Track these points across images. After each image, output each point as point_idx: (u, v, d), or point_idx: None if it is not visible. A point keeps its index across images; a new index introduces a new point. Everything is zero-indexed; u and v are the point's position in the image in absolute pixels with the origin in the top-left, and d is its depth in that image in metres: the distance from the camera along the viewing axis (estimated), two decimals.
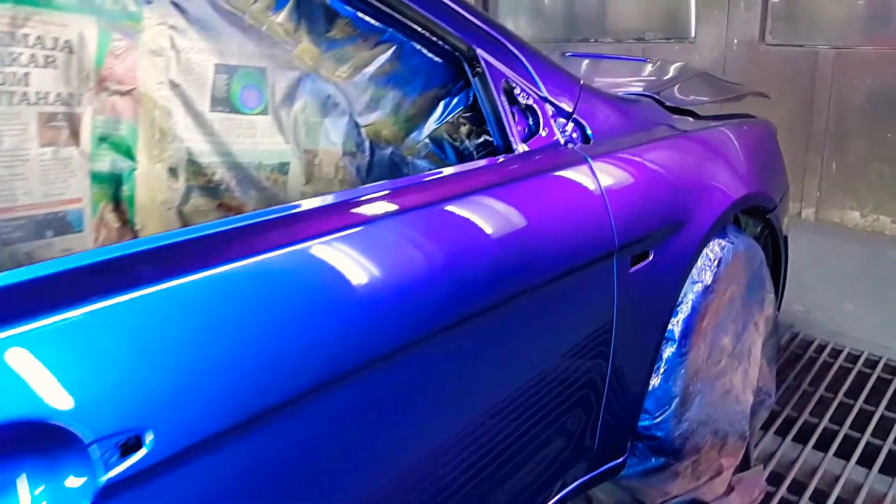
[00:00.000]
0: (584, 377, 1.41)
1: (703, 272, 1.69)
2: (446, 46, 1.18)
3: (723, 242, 1.76)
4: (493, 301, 1.11)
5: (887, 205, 3.59)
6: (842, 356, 2.57)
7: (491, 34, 1.22)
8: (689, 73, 2.26)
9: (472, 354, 1.10)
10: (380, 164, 1.25)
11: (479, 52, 1.20)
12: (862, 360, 2.54)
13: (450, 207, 1.09)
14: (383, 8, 1.07)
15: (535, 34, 4.88)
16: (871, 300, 2.96)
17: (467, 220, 1.11)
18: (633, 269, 1.42)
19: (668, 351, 1.64)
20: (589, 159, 1.32)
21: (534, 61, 1.30)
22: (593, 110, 1.39)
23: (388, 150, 1.25)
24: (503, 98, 1.24)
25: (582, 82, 1.41)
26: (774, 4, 3.73)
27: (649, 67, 2.31)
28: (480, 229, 1.11)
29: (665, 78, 2.06)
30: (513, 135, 1.24)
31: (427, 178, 1.11)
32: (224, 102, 1.07)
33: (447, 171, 1.15)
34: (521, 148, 1.24)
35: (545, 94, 1.30)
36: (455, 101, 1.26)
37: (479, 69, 1.21)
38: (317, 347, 0.80)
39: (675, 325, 1.63)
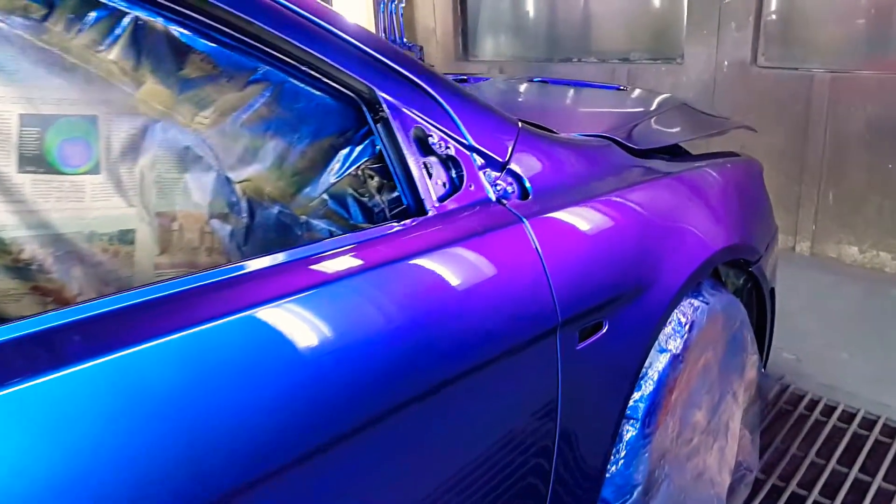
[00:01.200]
0: (524, 469, 1.18)
1: (671, 339, 1.46)
2: (338, 87, 0.96)
3: (696, 303, 1.53)
4: (402, 398, 0.89)
5: (887, 241, 3.36)
6: (835, 414, 2.33)
7: (397, 71, 1.00)
8: (666, 104, 2.04)
9: (379, 462, 0.88)
10: (264, 226, 1.02)
11: (382, 94, 0.97)
12: (858, 419, 2.30)
13: (343, 286, 0.86)
14: (247, 41, 0.85)
15: (516, 53, 4.68)
16: (869, 348, 2.72)
17: (365, 301, 0.88)
18: (583, 344, 1.19)
19: (629, 432, 1.41)
20: (525, 219, 1.09)
21: (456, 103, 1.07)
22: (535, 158, 1.16)
23: (275, 210, 1.02)
24: (414, 148, 1.01)
25: (521, 125, 1.18)
26: (767, 24, 3.52)
27: (621, 97, 2.08)
28: (384, 312, 0.89)
29: (637, 111, 1.84)
30: (427, 192, 1.02)
31: (316, 252, 0.89)
32: (36, 161, 0.84)
33: (340, 239, 0.92)
34: (443, 207, 1.02)
35: (471, 141, 1.07)
36: (357, 150, 1.04)
37: (382, 114, 0.98)
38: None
39: (638, 403, 1.40)
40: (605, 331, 1.24)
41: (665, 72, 3.93)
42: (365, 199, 1.08)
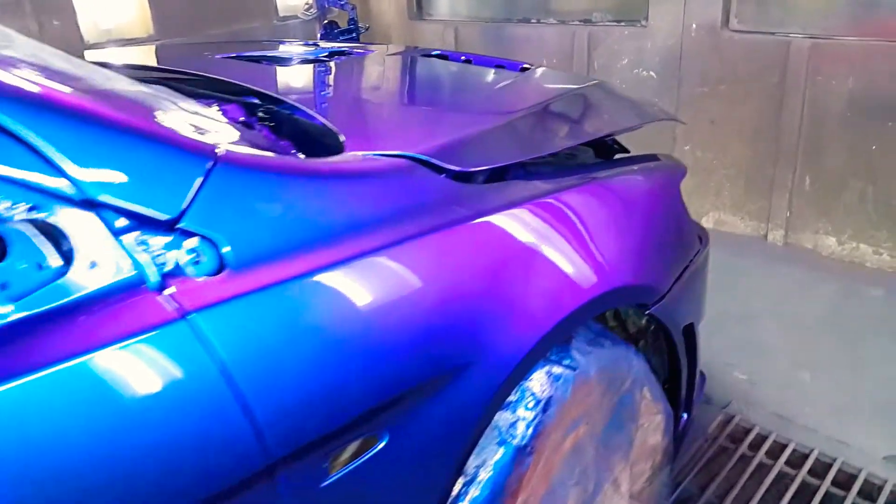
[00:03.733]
0: None
1: (514, 426, 1.09)
2: None
3: (557, 370, 1.15)
4: None
5: (869, 232, 2.95)
6: (784, 455, 1.97)
7: None
8: (570, 90, 1.62)
9: None
10: None
11: None
12: (810, 462, 1.94)
13: None
14: None
15: (471, 13, 4.21)
16: (836, 366, 2.34)
17: None
18: (335, 476, 0.82)
19: None
20: (194, 317, 0.70)
21: (64, 126, 0.68)
22: (247, 206, 0.77)
23: None
24: None
25: (224, 150, 0.78)
26: None
27: (511, 83, 1.66)
28: None
29: (525, 104, 1.42)
30: None
31: None
32: None
33: None
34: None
35: (87, 192, 0.68)
36: None
37: None
38: None
39: None
40: (382, 446, 0.87)
41: (628, 35, 3.47)
42: None
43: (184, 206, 0.72)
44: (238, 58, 1.81)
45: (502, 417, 1.09)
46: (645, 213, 1.36)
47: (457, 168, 1.05)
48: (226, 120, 1.24)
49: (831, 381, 2.27)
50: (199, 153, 0.75)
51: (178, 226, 0.72)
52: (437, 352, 0.92)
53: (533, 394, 1.12)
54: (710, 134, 3.33)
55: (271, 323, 0.74)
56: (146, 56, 2.10)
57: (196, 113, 1.01)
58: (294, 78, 1.59)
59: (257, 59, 1.86)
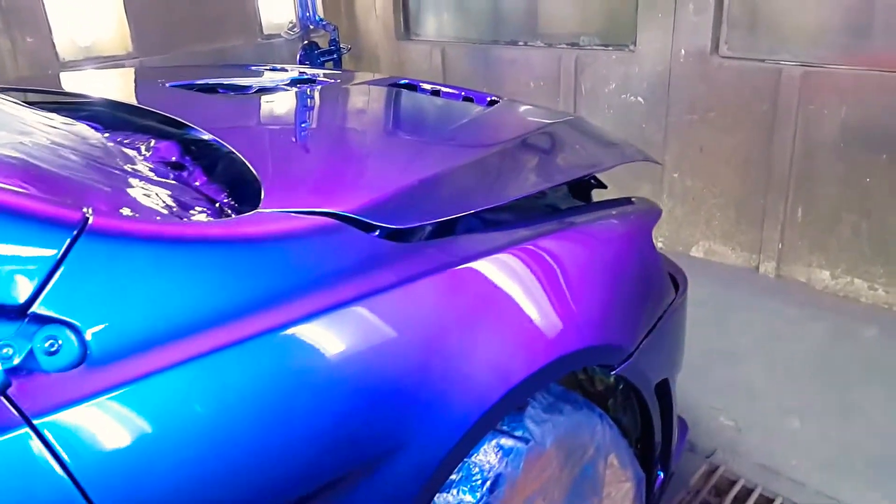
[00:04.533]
0: None
1: None
2: None
3: (508, 442, 1.04)
4: None
5: (864, 266, 2.84)
6: None
7: None
8: (539, 127, 1.52)
9: None
10: None
11: None
12: None
13: None
14: None
15: (458, 34, 4.13)
16: (827, 412, 2.23)
17: None
18: None
19: None
20: (44, 422, 0.59)
21: None
22: (118, 283, 0.67)
23: None
24: None
25: (92, 217, 0.67)
26: (731, 7, 2.96)
27: (477, 118, 1.56)
28: None
29: (485, 145, 1.32)
30: None
31: None
32: None
33: None
34: None
35: None
36: None
37: None
38: None
39: None
40: None
41: (616, 60, 3.38)
42: None
43: (36, 287, 0.61)
44: (190, 87, 1.72)
45: (442, 499, 0.98)
46: (614, 266, 1.25)
47: (389, 225, 0.95)
48: (149, 165, 1.14)
49: (821, 430, 2.15)
50: (59, 223, 0.64)
51: (31, 310, 0.61)
52: (359, 438, 0.81)
53: (480, 471, 1.00)
54: (700, 162, 3.23)
55: (142, 425, 0.63)
56: (94, 84, 2.00)
57: (98, 164, 0.90)
58: (241, 111, 1.49)
59: (213, 88, 1.77)
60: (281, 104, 1.55)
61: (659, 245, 3.48)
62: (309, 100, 1.62)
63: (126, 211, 0.74)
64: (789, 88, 2.84)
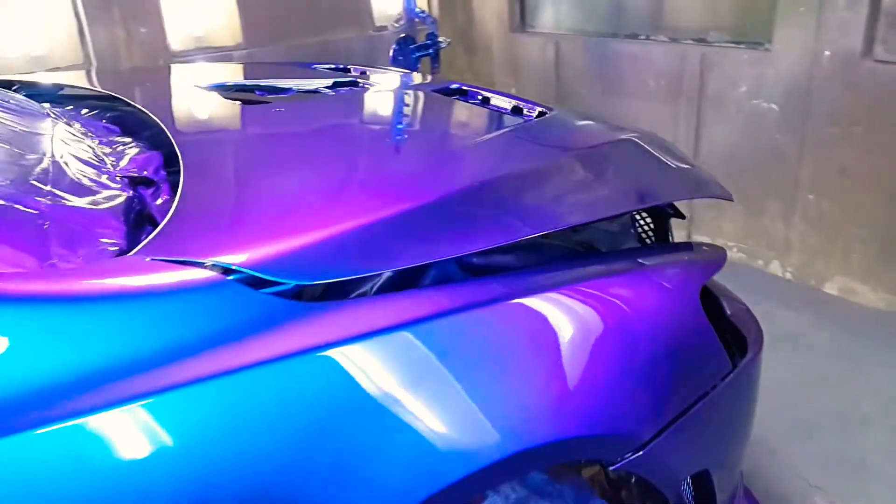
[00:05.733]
0: None
1: None
2: None
3: None
4: None
5: None
6: None
7: None
8: (584, 148, 1.27)
9: None
10: None
11: None
12: None
13: None
14: None
15: (575, 26, 3.81)
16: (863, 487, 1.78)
17: None
18: None
19: None
20: None
21: None
22: None
23: None
24: None
25: None
26: (892, 2, 2.45)
27: (500, 136, 1.33)
28: None
29: (490, 173, 1.10)
30: None
31: None
32: None
33: None
34: None
35: None
36: None
37: None
38: None
39: None
40: None
41: (748, 60, 2.94)
42: None
43: None
44: (222, 88, 1.62)
45: None
46: (627, 336, 0.99)
47: (288, 281, 0.77)
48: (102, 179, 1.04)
49: None
50: None
51: None
52: None
53: None
54: (841, 184, 2.74)
55: None
56: (123, 82, 1.96)
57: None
58: (238, 122, 1.36)
59: (250, 89, 1.67)
60: (281, 116, 1.41)
61: (787, 276, 3.01)
62: (317, 111, 1.46)
63: None
64: None
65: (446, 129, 1.44)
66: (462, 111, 1.51)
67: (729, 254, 3.20)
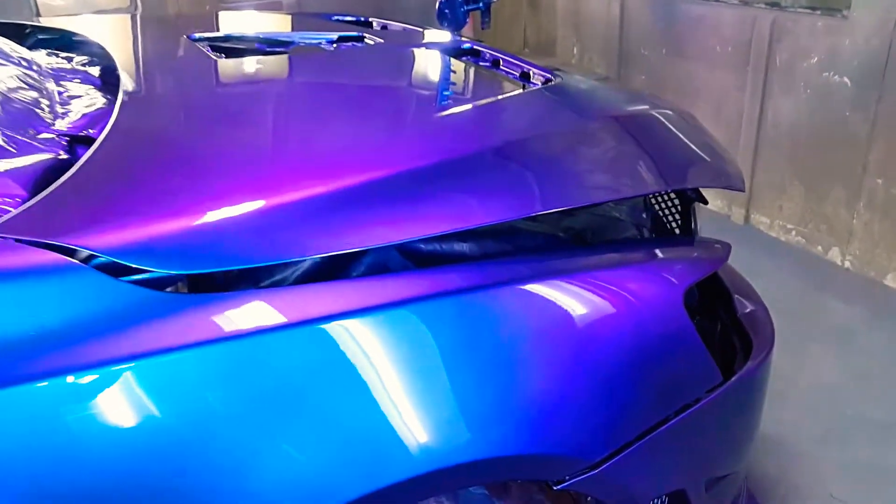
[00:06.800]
0: None
1: None
2: None
3: None
4: None
5: None
6: None
7: None
8: (583, 119, 1.15)
9: None
10: None
11: None
12: None
13: None
14: None
15: None
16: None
17: None
18: None
19: None
20: None
21: None
22: None
23: None
24: None
25: None
26: None
27: (483, 104, 1.22)
28: None
29: (449, 148, 1.00)
30: None
31: None
32: None
33: None
34: None
35: None
36: None
37: None
38: None
39: None
40: None
41: (822, 28, 2.67)
42: None
43: None
44: (226, 39, 1.56)
45: None
46: (581, 342, 0.89)
47: (157, 270, 0.70)
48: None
49: None
50: None
51: None
52: None
53: None
54: None
55: None
56: (115, 28, 1.91)
57: None
58: (198, 81, 1.29)
59: (252, 41, 1.60)
60: (251, 74, 1.32)
61: (846, 265, 2.80)
62: (294, 68, 1.38)
63: None
64: None
65: (428, 94, 1.32)
66: (458, 75, 1.40)
67: (787, 237, 3.00)
